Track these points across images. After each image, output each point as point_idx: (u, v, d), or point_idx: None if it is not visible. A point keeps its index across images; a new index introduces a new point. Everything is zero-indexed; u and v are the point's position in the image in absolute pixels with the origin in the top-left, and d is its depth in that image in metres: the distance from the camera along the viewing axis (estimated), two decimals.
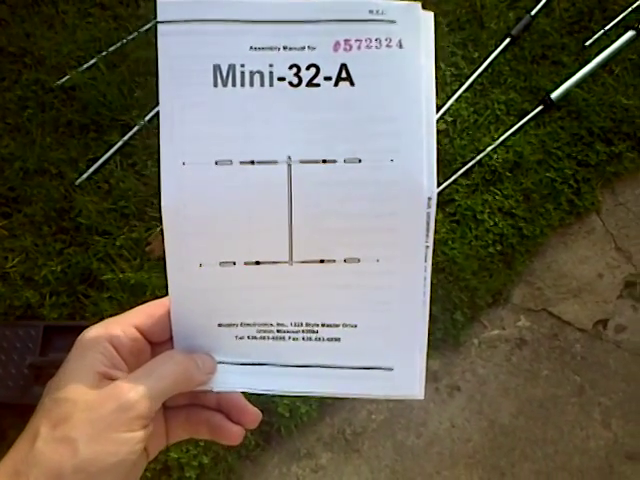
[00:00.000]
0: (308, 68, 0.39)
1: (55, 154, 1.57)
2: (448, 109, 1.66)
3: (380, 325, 0.42)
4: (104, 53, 1.69)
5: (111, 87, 1.63)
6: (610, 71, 1.75)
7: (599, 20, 1.81)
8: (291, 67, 0.39)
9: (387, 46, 0.39)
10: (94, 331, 0.40)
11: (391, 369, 0.42)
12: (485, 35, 1.77)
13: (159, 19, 0.39)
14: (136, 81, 1.66)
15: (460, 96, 1.68)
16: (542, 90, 1.70)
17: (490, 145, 1.62)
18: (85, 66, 1.68)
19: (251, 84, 0.39)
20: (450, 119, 1.65)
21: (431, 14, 0.40)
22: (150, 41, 1.69)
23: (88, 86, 1.63)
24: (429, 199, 0.39)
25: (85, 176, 1.55)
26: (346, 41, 0.39)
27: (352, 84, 0.39)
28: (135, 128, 1.60)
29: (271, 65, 0.39)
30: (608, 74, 1.75)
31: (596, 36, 1.77)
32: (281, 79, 0.39)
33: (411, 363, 0.42)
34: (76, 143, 1.60)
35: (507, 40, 1.75)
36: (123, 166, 1.57)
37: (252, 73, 0.39)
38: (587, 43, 1.77)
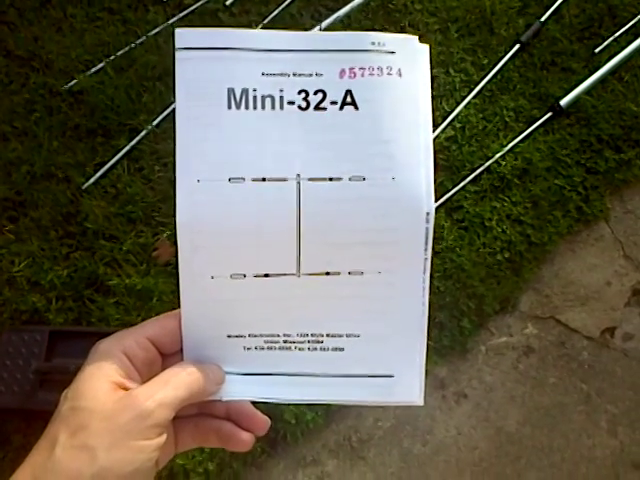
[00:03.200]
0: (316, 93, 0.42)
1: (62, 158, 1.57)
2: (457, 115, 1.65)
3: (381, 334, 0.44)
4: (112, 57, 1.69)
5: (119, 91, 1.63)
6: (620, 78, 1.75)
7: (609, 27, 1.81)
8: (300, 92, 0.42)
9: (388, 74, 0.42)
10: (109, 342, 0.41)
11: (392, 376, 0.44)
12: (495, 41, 1.77)
13: (177, 46, 0.41)
14: (144, 85, 1.66)
15: (469, 102, 1.67)
16: (551, 97, 1.70)
17: (499, 152, 1.61)
18: (93, 70, 1.68)
19: (262, 107, 0.42)
20: (459, 125, 1.65)
21: (426, 46, 0.43)
22: (159, 46, 1.70)
23: (96, 90, 1.64)
24: (427, 214, 0.42)
25: (92, 180, 1.55)
26: (351, 69, 0.42)
27: (356, 108, 0.42)
28: (143, 133, 1.60)
29: (281, 90, 0.42)
30: (618, 81, 1.74)
31: (606, 43, 1.77)
32: (290, 103, 0.42)
33: (411, 370, 0.44)
34: (83, 147, 1.60)
35: (516, 46, 1.74)
36: (130, 171, 1.58)
37: (264, 97, 0.42)
38: (597, 50, 1.76)
